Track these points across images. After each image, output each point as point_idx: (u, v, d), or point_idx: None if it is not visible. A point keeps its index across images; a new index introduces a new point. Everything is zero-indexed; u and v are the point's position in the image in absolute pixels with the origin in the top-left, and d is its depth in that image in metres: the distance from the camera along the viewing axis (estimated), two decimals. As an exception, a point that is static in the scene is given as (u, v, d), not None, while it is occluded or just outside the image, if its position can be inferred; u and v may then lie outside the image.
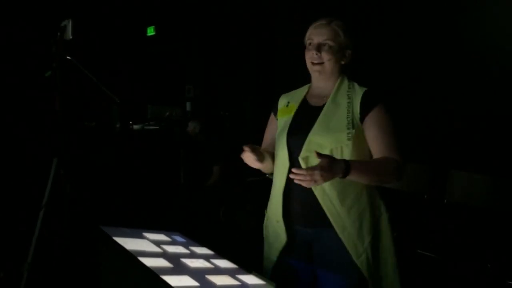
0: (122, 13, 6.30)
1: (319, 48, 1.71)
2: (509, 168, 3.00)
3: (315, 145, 1.66)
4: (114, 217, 3.40)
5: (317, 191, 1.64)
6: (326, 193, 1.64)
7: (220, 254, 1.71)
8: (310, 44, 1.74)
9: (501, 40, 3.21)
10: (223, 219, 4.27)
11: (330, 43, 1.70)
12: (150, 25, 6.74)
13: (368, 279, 1.66)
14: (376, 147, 1.66)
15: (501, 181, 2.89)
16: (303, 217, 1.71)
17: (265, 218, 1.89)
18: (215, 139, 4.64)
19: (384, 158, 1.64)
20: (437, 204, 3.15)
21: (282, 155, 1.74)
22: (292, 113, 1.79)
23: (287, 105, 1.84)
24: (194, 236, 1.88)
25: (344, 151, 1.64)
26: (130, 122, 4.64)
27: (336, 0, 4.04)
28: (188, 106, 6.14)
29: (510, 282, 2.46)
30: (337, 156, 1.64)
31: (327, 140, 1.65)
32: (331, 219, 1.64)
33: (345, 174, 1.52)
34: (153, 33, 6.76)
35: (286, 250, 1.76)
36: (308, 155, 1.66)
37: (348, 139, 1.62)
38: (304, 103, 1.81)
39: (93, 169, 4.01)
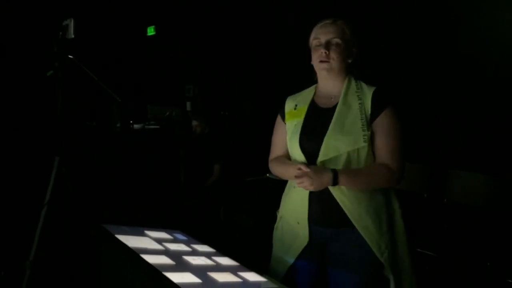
0: (123, 13, 6.30)
1: (327, 46, 1.71)
2: (508, 168, 3.01)
3: (332, 148, 1.66)
4: (114, 216, 3.41)
5: (335, 192, 1.66)
6: (344, 193, 1.66)
7: (221, 252, 1.72)
8: (317, 43, 1.74)
9: (500, 41, 3.22)
10: (223, 219, 4.28)
11: (338, 40, 1.71)
12: (150, 25, 6.74)
13: (391, 274, 1.68)
14: (378, 152, 1.69)
15: (500, 180, 2.90)
16: (323, 217, 1.71)
17: (278, 220, 1.88)
18: (215, 138, 4.65)
19: (378, 166, 1.68)
20: (437, 203, 3.16)
21: (299, 159, 1.74)
22: (303, 116, 1.77)
23: (295, 108, 1.82)
24: (194, 235, 1.89)
25: (361, 154, 1.66)
26: (131, 122, 4.65)
27: (335, 1, 4.04)
28: (188, 105, 6.15)
29: (510, 281, 2.47)
30: (354, 158, 1.66)
31: (344, 143, 1.65)
32: (352, 219, 1.66)
33: (334, 183, 1.60)
34: (153, 33, 6.75)
35: (302, 251, 1.76)
36: (325, 159, 1.67)
37: (364, 141, 1.64)
38: (312, 105, 1.80)
39: (94, 168, 4.02)
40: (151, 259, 1.40)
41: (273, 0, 5.09)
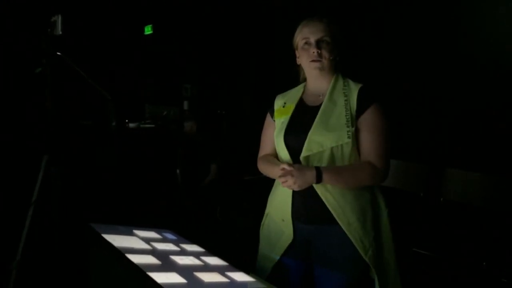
0: (120, 12, 6.29)
1: (318, 45, 1.71)
2: (504, 167, 2.99)
3: (316, 144, 1.65)
4: (109, 216, 3.39)
5: (319, 189, 1.65)
6: (328, 190, 1.65)
7: (211, 252, 1.69)
8: (306, 43, 1.74)
9: (498, 39, 3.19)
10: (220, 218, 4.25)
11: (328, 39, 1.71)
12: (147, 24, 6.73)
13: (376, 273, 1.67)
14: (362, 149, 1.69)
15: (497, 179, 2.88)
16: (306, 214, 1.71)
17: (265, 217, 1.89)
18: (212, 137, 4.63)
19: (362, 163, 1.68)
20: (433, 202, 3.14)
21: (284, 155, 1.74)
22: (290, 113, 1.78)
23: (283, 106, 1.83)
24: (191, 235, 1.87)
25: (345, 150, 1.65)
26: (126, 121, 4.64)
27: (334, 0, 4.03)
28: (185, 105, 6.13)
29: (505, 280, 2.44)
30: (338, 155, 1.66)
31: (328, 138, 1.64)
32: (335, 216, 1.65)
33: (318, 180, 1.59)
34: (150, 32, 6.74)
35: (287, 248, 1.76)
36: (309, 155, 1.66)
37: (348, 137, 1.63)
38: (300, 103, 1.81)
39: (89, 167, 4.00)
40: (136, 258, 1.37)
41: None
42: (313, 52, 1.70)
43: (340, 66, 1.79)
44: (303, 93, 1.84)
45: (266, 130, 1.91)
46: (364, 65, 3.52)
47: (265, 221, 1.88)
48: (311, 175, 1.59)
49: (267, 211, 1.88)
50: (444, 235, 2.96)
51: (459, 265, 2.71)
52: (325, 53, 1.70)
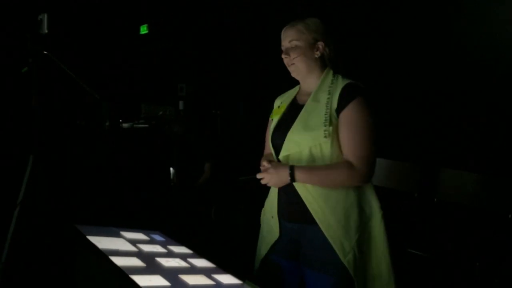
0: (116, 12, 6.26)
1: (287, 51, 1.74)
2: (499, 167, 2.97)
3: (293, 143, 1.66)
4: (102, 216, 3.36)
5: (300, 189, 1.63)
6: (308, 190, 1.63)
7: (200, 253, 1.67)
8: (282, 50, 1.77)
9: (492, 39, 3.17)
10: (215, 218, 4.23)
11: (295, 42, 1.72)
12: (143, 23, 6.70)
13: (354, 278, 1.61)
14: (342, 148, 1.63)
15: (492, 179, 2.87)
16: (289, 212, 1.72)
17: (262, 213, 1.91)
18: (207, 137, 4.60)
19: (338, 163, 1.61)
20: (428, 202, 3.12)
21: (273, 155, 1.77)
22: (281, 113, 1.81)
23: (279, 106, 1.87)
24: (185, 235, 1.86)
25: (323, 149, 1.62)
26: (120, 120, 4.61)
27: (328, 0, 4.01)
28: (181, 105, 6.09)
29: (498, 281, 2.43)
30: (317, 154, 1.63)
31: (305, 138, 1.63)
32: (315, 217, 1.62)
33: (292, 179, 1.60)
34: (146, 32, 6.72)
35: (276, 246, 1.76)
36: (288, 154, 1.67)
37: (325, 137, 1.59)
38: (292, 103, 1.83)
39: (82, 167, 3.98)
40: (120, 261, 1.35)
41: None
42: (284, 58, 1.75)
43: (330, 64, 1.76)
44: (298, 92, 1.85)
45: (267, 130, 1.94)
46: (358, 64, 3.50)
47: (262, 217, 1.91)
48: (284, 173, 1.60)
49: (264, 207, 1.92)
50: (438, 235, 2.94)
51: (453, 265, 2.69)
52: (294, 56, 1.72)
